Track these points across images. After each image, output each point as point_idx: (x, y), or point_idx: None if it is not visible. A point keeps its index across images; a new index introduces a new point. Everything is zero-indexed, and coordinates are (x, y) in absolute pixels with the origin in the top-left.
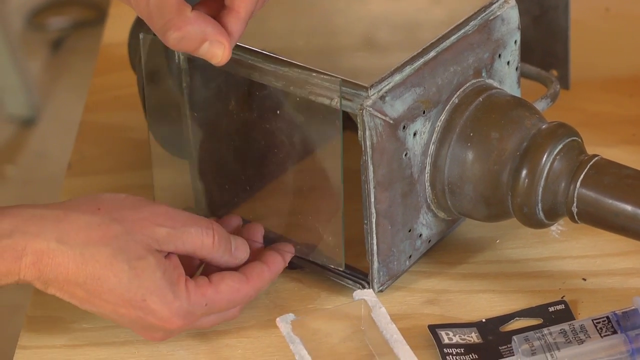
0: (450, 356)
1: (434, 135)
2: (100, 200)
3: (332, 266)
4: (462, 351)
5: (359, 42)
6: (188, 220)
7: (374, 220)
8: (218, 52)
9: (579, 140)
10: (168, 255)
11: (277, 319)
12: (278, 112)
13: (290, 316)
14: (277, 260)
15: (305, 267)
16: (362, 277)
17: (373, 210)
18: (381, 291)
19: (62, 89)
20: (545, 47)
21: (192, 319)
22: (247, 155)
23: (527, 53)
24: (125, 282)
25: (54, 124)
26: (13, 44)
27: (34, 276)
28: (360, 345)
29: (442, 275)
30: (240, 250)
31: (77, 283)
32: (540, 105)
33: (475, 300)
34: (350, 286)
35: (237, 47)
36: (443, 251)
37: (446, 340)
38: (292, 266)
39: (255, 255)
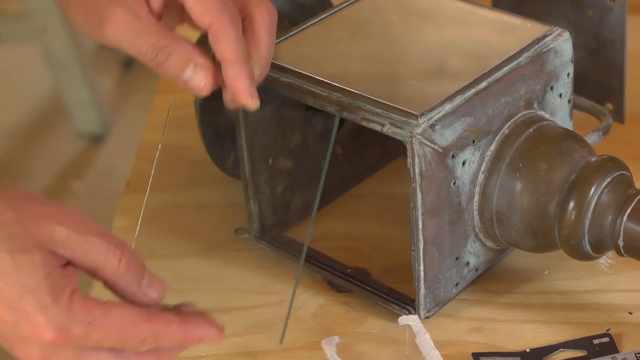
0: None
1: (483, 165)
2: (7, 190)
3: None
4: None
5: (413, 70)
6: (96, 231)
7: (421, 247)
8: (201, 78)
9: (628, 174)
10: (66, 264)
11: (322, 342)
12: (332, 136)
13: (336, 339)
14: (197, 322)
15: (354, 290)
16: (408, 303)
17: (421, 237)
18: (427, 317)
19: (131, 107)
20: (600, 80)
21: (68, 334)
22: (301, 178)
23: (582, 85)
24: (4, 274)
25: (121, 141)
26: (85, 61)
27: None
28: None
29: (488, 304)
30: (152, 288)
31: None
32: (591, 138)
33: (521, 330)
34: (397, 311)
35: (291, 72)
36: (490, 280)
37: None
38: (341, 290)
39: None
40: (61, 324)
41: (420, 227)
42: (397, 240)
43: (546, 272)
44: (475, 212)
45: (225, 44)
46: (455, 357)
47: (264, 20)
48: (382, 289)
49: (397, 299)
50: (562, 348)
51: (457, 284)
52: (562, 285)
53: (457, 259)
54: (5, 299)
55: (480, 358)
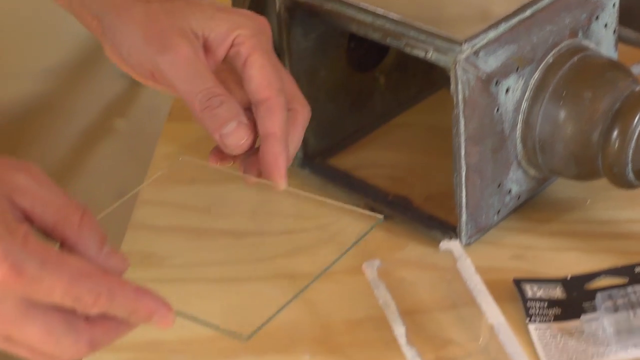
0: (534, 309)
1: (527, 93)
2: None
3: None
4: (546, 305)
5: None
6: (57, 187)
7: (463, 174)
8: (242, 136)
9: None
10: (21, 222)
11: (364, 264)
12: (377, 63)
13: (377, 262)
14: (152, 295)
15: (395, 217)
16: (450, 230)
17: (463, 164)
18: (468, 244)
19: None
20: None
21: (20, 271)
22: (344, 106)
23: (628, 18)
24: None
25: None
26: None
27: None
28: (444, 295)
29: (530, 232)
30: (113, 257)
31: None
32: (636, 69)
33: (562, 258)
34: (438, 238)
35: (335, 0)
36: (532, 209)
37: (530, 295)
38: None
39: None
40: (15, 257)
41: (463, 153)
42: (439, 170)
43: (588, 201)
44: (518, 140)
45: (276, 120)
46: (496, 283)
47: (304, 119)
48: (424, 215)
49: (439, 225)
50: (604, 275)
51: (498, 211)
52: (604, 215)
53: (499, 186)
54: None
55: (522, 284)
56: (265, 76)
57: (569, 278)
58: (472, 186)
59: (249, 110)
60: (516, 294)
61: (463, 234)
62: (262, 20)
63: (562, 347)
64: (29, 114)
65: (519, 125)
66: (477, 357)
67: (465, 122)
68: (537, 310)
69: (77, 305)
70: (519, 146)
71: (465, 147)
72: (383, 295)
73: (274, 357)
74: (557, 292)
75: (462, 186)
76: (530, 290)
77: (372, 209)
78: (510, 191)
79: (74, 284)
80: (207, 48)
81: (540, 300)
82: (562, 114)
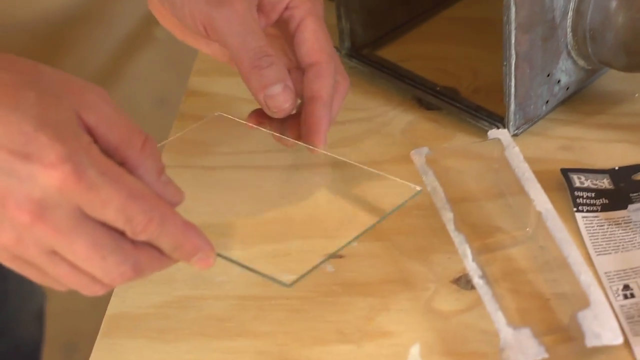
0: (581, 199)
1: None
2: (36, 64)
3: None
4: (593, 195)
5: None
6: (124, 113)
7: (513, 62)
8: (286, 99)
9: None
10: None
11: (412, 152)
12: None
13: (425, 150)
14: (198, 231)
15: (443, 108)
16: (498, 120)
17: (513, 52)
18: (516, 135)
19: None
20: None
21: (82, 174)
22: None
23: None
24: (23, 107)
25: None
26: None
27: None
28: (492, 184)
29: (578, 124)
30: (170, 187)
31: None
32: None
33: (610, 149)
34: (486, 127)
35: None
36: (580, 101)
37: (577, 184)
38: (430, 107)
39: None
40: (77, 161)
41: (513, 41)
42: (487, 63)
43: (637, 94)
44: (569, 29)
45: (324, 84)
46: (544, 173)
47: (344, 91)
48: (471, 106)
49: (486, 115)
50: None
51: (547, 102)
52: None
53: (548, 75)
54: (16, 132)
55: (569, 174)
56: (317, 40)
57: (616, 169)
58: (521, 75)
59: (291, 74)
60: (563, 184)
61: (511, 124)
62: None
63: (609, 236)
64: (69, 21)
65: (570, 14)
66: (525, 244)
67: (516, 10)
68: (585, 200)
69: (128, 225)
70: (569, 35)
71: (516, 35)
72: (431, 181)
73: (322, 242)
74: (605, 183)
75: (511, 75)
76: (577, 180)
77: (420, 100)
78: (559, 81)
79: (130, 202)
80: (261, 8)
81: (588, 190)
82: (614, 3)
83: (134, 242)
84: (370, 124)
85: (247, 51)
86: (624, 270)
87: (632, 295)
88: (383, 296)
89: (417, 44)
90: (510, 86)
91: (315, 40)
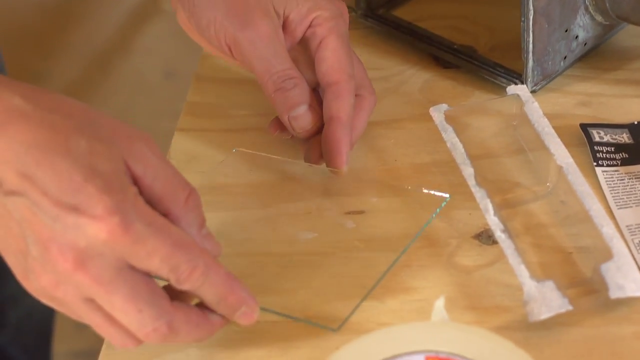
0: (601, 153)
1: None
2: (88, 109)
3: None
4: (613, 150)
5: None
6: (171, 165)
7: (531, 17)
8: (309, 121)
9: None
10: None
11: (431, 109)
12: None
13: (444, 106)
14: (242, 284)
15: (460, 65)
16: (516, 76)
17: (531, 7)
18: (534, 91)
19: None
20: None
21: (129, 226)
22: None
23: None
24: (74, 156)
25: None
26: None
27: None
28: (511, 140)
29: (596, 80)
30: (210, 240)
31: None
32: None
33: (628, 104)
34: (504, 84)
35: None
36: (598, 57)
37: (597, 139)
38: (447, 65)
39: None
40: (125, 213)
41: None
42: (504, 20)
43: None
44: None
45: (343, 105)
46: (563, 129)
47: (370, 106)
48: (489, 63)
49: (504, 72)
50: None
51: (565, 58)
52: None
53: (566, 31)
54: (65, 181)
55: (588, 129)
56: (337, 59)
57: (636, 123)
58: (539, 30)
59: (315, 92)
60: (583, 140)
61: (529, 80)
62: (341, 5)
63: (629, 189)
64: None
65: None
66: (545, 199)
67: None
68: (604, 155)
69: (172, 274)
70: None
71: None
72: (451, 137)
73: (342, 199)
74: (624, 137)
75: (529, 31)
76: (597, 135)
77: (437, 59)
78: (577, 37)
79: (175, 251)
80: (286, 27)
81: (608, 144)
82: None
83: (172, 303)
84: (387, 84)
85: (271, 75)
86: None
87: None
88: (405, 251)
89: (433, 3)
90: (528, 42)
91: (335, 59)
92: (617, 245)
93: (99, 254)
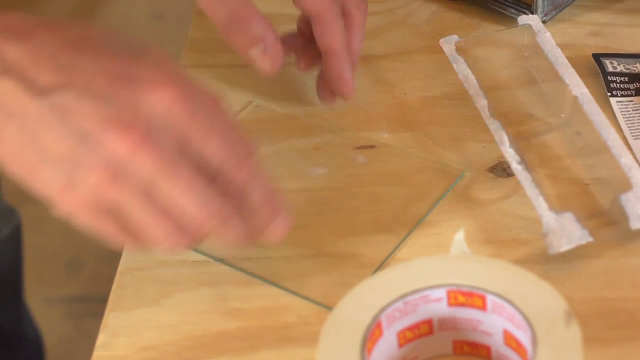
0: (615, 84)
1: None
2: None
3: None
4: (627, 79)
5: None
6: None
7: None
8: (266, 62)
9: None
10: None
11: (441, 40)
12: None
13: (454, 37)
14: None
15: None
16: (525, 7)
17: None
18: (544, 22)
19: None
20: None
21: (188, 94)
22: None
23: None
24: (117, 44)
25: None
26: None
27: None
28: (523, 72)
29: (606, 10)
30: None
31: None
32: None
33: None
34: (514, 15)
35: None
36: None
37: (610, 69)
38: None
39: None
40: (184, 82)
41: None
42: None
43: None
44: None
45: (333, 35)
46: (575, 59)
47: (361, 19)
48: None
49: (514, 3)
50: None
51: None
52: None
53: None
54: (118, 58)
55: (601, 59)
56: None
57: None
58: None
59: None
60: (595, 70)
61: (539, 10)
62: None
63: None
64: None
65: None
66: (560, 130)
67: None
68: (618, 85)
69: (229, 159)
70: None
71: None
72: (463, 69)
73: (351, 134)
74: (638, 67)
75: None
76: (610, 65)
77: None
78: None
79: (227, 138)
80: None
81: (621, 74)
82: None
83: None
84: (393, 16)
85: (219, 18)
86: None
87: None
88: (418, 185)
89: None
90: None
91: None
92: (637, 175)
93: (162, 126)
